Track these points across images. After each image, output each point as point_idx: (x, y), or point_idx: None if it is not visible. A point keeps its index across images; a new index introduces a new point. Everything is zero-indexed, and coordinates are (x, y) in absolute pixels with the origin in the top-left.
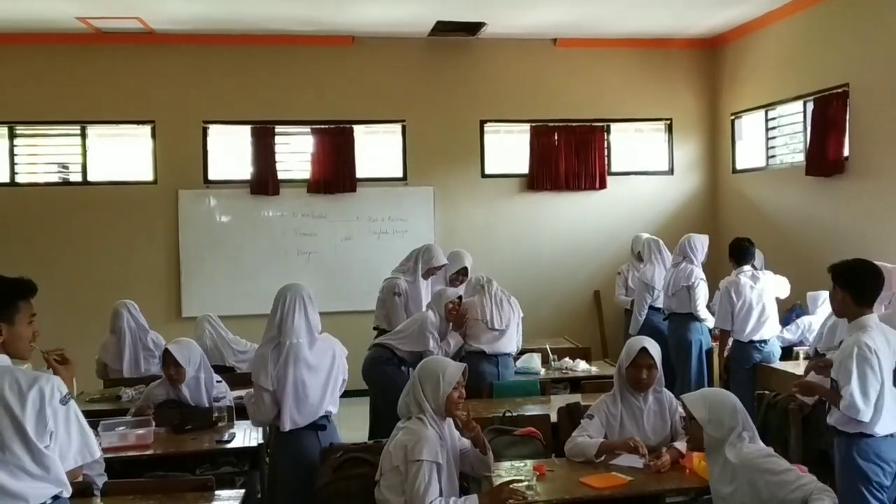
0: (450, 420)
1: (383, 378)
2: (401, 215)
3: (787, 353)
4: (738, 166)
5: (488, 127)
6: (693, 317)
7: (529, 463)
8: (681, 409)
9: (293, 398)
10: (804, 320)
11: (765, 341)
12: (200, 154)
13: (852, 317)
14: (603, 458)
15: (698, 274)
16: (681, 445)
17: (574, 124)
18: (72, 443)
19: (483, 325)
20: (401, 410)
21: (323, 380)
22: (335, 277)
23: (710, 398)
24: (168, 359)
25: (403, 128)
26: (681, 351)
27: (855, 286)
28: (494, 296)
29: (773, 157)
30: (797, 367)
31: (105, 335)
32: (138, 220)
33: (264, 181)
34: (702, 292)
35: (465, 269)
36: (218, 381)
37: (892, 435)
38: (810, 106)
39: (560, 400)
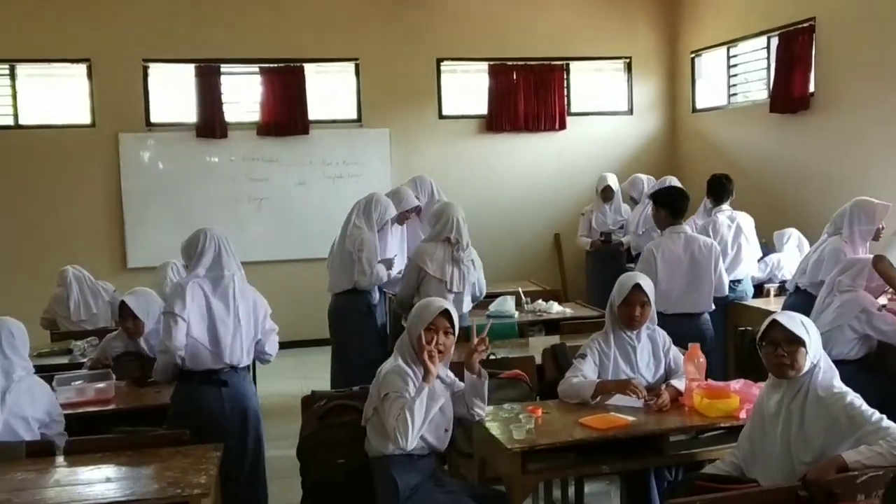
0: (443, 365)
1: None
2: (356, 159)
3: (757, 290)
4: (699, 105)
5: (445, 66)
6: None
7: (518, 406)
8: (675, 347)
9: (221, 334)
10: (772, 258)
11: (738, 280)
12: (141, 95)
13: (664, 227)
14: (598, 399)
15: None
16: (678, 384)
17: (533, 63)
18: None
19: (440, 283)
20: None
21: (244, 326)
22: (289, 224)
23: (806, 322)
24: (125, 311)
25: (357, 66)
26: None
27: (668, 205)
28: (463, 257)
29: (734, 95)
30: (769, 304)
31: (47, 290)
32: (76, 165)
33: (211, 123)
34: None
35: (418, 208)
36: None
37: (681, 314)
38: (774, 42)
39: (538, 342)
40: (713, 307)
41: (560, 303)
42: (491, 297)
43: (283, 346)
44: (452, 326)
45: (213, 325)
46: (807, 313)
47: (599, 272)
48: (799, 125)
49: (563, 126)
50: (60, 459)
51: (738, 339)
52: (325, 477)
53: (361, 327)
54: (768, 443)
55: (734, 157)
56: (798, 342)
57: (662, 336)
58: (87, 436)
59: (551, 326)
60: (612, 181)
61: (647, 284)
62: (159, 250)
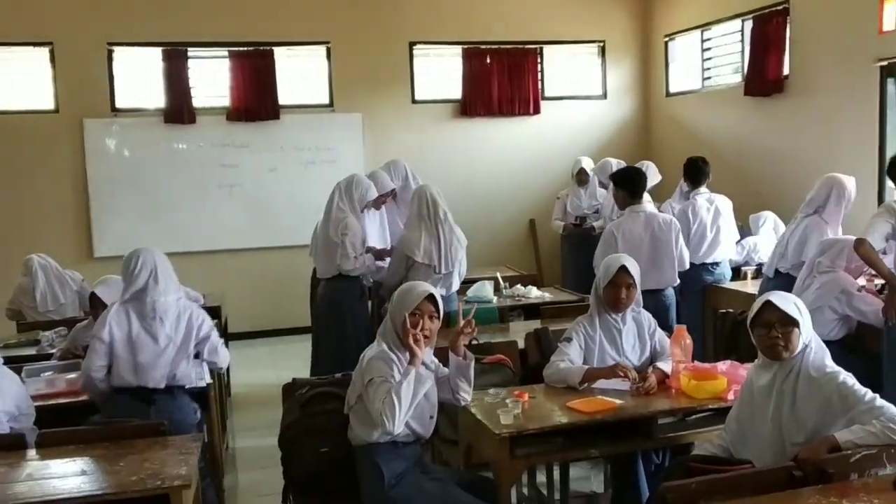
0: (428, 351)
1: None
2: (328, 144)
3: (734, 273)
4: (672, 89)
5: (418, 49)
6: None
7: (504, 391)
8: (660, 330)
9: (141, 357)
10: (748, 241)
11: (717, 263)
12: (106, 79)
13: (624, 206)
14: (586, 384)
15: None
16: (664, 366)
17: (507, 47)
18: None
19: (428, 268)
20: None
21: (168, 350)
22: (260, 211)
23: (798, 302)
24: (96, 302)
25: (328, 50)
26: None
27: (626, 185)
28: (447, 233)
29: (708, 78)
30: (745, 287)
31: (12, 280)
32: (40, 152)
33: (178, 109)
34: None
35: (394, 191)
36: None
37: (644, 290)
38: (749, 25)
39: (518, 327)
40: (677, 281)
41: (538, 287)
42: (468, 282)
43: (256, 335)
44: (437, 311)
45: (133, 349)
46: None
47: (574, 257)
48: (773, 108)
49: (537, 110)
50: (32, 453)
51: (719, 322)
52: (308, 466)
53: (355, 312)
54: (758, 423)
55: (708, 140)
56: (792, 323)
57: (648, 318)
58: (59, 428)
59: (530, 311)
60: (587, 165)
61: (632, 266)
62: (127, 239)
